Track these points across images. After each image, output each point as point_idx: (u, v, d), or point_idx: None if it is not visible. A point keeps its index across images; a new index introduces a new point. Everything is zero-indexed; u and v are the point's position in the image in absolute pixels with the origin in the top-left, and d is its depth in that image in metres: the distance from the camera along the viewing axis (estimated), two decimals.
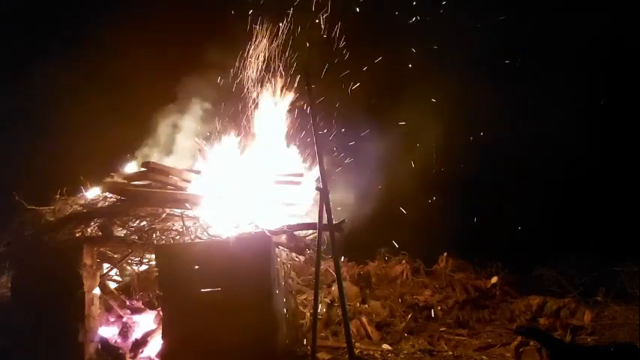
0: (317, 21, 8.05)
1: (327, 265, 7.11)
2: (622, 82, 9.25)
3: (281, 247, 5.91)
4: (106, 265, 6.23)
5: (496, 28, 9.11)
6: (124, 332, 5.92)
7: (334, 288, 6.88)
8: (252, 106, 7.56)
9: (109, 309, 6.06)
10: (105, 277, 6.09)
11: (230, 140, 7.26)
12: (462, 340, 6.53)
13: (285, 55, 7.69)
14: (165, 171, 6.27)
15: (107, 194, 6.28)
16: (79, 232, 5.97)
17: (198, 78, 8.21)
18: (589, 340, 6.20)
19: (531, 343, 5.42)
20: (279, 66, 7.60)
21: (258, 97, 7.55)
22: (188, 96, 8.14)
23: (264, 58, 7.67)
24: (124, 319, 6.01)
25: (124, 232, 5.95)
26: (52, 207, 6.24)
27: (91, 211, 6.09)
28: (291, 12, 7.81)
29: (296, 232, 5.98)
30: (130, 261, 6.28)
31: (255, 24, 7.77)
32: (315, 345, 4.82)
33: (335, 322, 6.68)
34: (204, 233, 5.70)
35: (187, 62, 8.65)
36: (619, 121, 9.29)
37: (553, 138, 9.48)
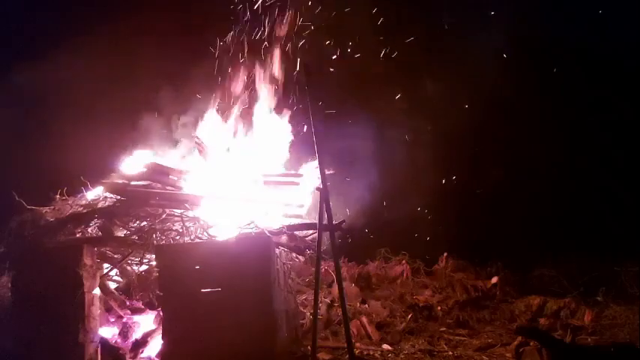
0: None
1: (327, 266, 7.11)
2: (624, 82, 9.26)
3: (281, 248, 5.91)
4: (106, 265, 6.23)
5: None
6: (124, 332, 5.92)
7: (334, 288, 6.88)
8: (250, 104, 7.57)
9: (109, 309, 6.05)
10: (105, 277, 6.09)
11: (230, 139, 7.27)
12: (462, 340, 6.53)
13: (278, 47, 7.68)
14: (165, 171, 6.27)
15: (107, 194, 6.28)
16: (79, 232, 5.97)
17: (195, 73, 8.21)
18: (589, 340, 6.20)
19: (531, 343, 5.42)
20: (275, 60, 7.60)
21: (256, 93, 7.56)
22: (184, 92, 8.13)
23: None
24: (124, 320, 6.01)
25: (124, 232, 5.95)
26: (52, 207, 6.23)
27: (91, 212, 6.08)
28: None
29: (296, 232, 5.98)
30: (130, 261, 6.27)
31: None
32: (315, 345, 4.83)
33: (335, 322, 6.68)
34: (205, 233, 5.70)
35: (184, 57, 8.65)
36: (620, 122, 9.30)
37: (553, 138, 9.49)
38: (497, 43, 9.00)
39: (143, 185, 6.28)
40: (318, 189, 4.88)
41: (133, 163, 6.84)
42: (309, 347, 5.17)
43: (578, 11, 9.25)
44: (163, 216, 5.85)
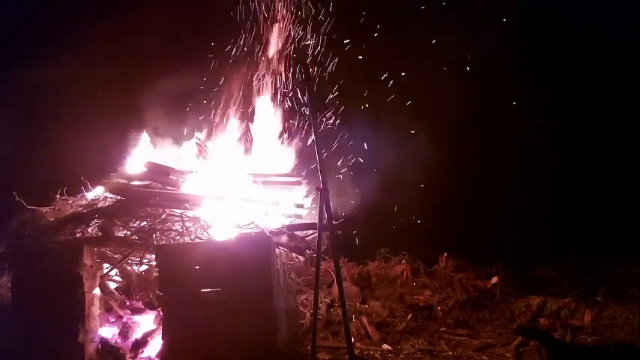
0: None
1: (327, 266, 7.11)
2: (622, 84, 9.26)
3: (281, 247, 5.91)
4: (106, 265, 6.23)
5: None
6: (124, 332, 5.92)
7: (334, 288, 6.88)
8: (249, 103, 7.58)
9: (109, 309, 6.06)
10: (105, 277, 6.09)
11: (230, 139, 7.27)
12: (462, 340, 6.53)
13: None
14: (165, 171, 6.27)
15: (107, 194, 6.28)
16: (79, 232, 5.97)
17: (194, 73, 8.21)
18: (589, 340, 6.20)
19: (531, 343, 5.42)
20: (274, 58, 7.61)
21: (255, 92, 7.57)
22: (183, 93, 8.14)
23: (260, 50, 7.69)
24: (124, 320, 6.01)
25: (124, 232, 5.95)
26: (53, 207, 6.23)
27: (91, 212, 6.08)
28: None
29: (296, 232, 5.99)
30: (130, 261, 6.28)
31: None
32: (315, 345, 4.82)
33: (335, 322, 6.68)
34: (205, 233, 5.70)
35: (183, 56, 8.65)
36: (620, 121, 9.30)
37: (553, 138, 9.49)
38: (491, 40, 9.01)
39: (143, 185, 6.29)
40: (318, 189, 4.88)
41: (133, 163, 6.86)
42: (309, 347, 5.17)
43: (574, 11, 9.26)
44: (163, 216, 5.85)
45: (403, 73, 9.13)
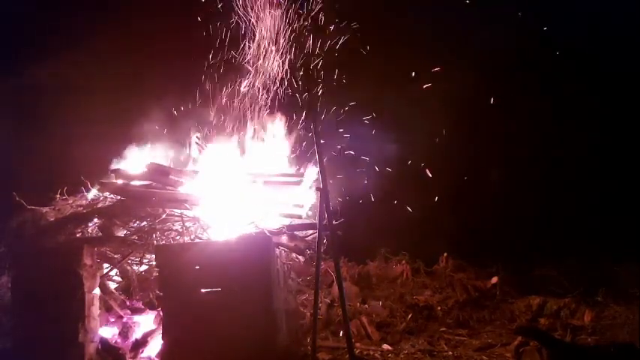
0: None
1: (328, 266, 7.11)
2: (623, 84, 9.26)
3: (281, 247, 5.91)
4: (106, 265, 6.23)
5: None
6: (124, 332, 5.92)
7: (334, 288, 6.88)
8: (250, 104, 7.58)
9: (109, 309, 6.06)
10: (105, 277, 6.09)
11: (229, 139, 7.27)
12: (462, 340, 6.53)
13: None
14: (165, 171, 6.27)
15: (107, 194, 6.28)
16: (79, 232, 5.97)
17: (195, 75, 8.21)
18: (589, 340, 6.20)
19: (531, 343, 5.41)
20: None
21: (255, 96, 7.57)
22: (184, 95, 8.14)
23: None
24: (124, 320, 6.01)
25: (124, 232, 5.95)
26: (53, 207, 6.24)
27: (91, 211, 6.09)
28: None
29: (296, 232, 5.99)
30: (130, 261, 6.28)
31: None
32: (315, 345, 4.83)
33: (335, 322, 6.68)
34: (204, 233, 5.70)
35: (184, 57, 8.65)
36: (620, 123, 9.30)
37: (554, 139, 9.50)
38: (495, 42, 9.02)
39: (143, 185, 6.29)
40: (318, 189, 4.88)
41: (133, 163, 6.85)
42: (309, 347, 5.17)
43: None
44: (163, 216, 5.86)
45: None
